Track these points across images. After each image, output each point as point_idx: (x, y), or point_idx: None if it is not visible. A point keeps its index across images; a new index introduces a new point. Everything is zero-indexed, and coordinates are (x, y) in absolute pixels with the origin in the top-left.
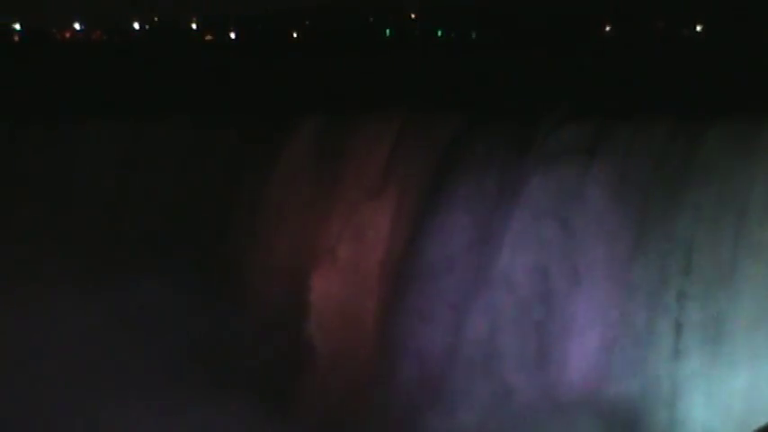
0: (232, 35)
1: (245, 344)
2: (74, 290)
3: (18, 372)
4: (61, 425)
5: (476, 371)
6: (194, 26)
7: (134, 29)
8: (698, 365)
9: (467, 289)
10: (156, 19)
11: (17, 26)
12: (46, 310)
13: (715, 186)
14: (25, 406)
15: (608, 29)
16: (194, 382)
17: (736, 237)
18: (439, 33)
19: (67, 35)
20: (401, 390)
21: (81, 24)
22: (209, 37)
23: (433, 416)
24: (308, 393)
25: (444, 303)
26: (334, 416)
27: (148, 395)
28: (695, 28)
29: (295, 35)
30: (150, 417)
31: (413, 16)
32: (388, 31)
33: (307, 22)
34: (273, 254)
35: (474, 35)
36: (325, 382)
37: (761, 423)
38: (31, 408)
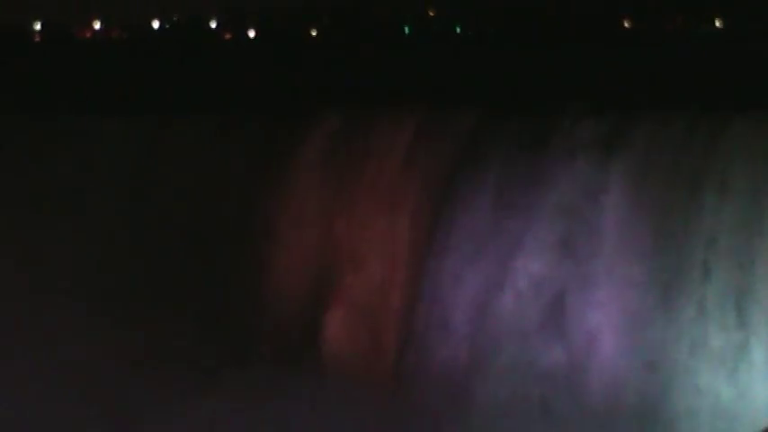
0: (251, 33)
1: (264, 339)
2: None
3: None
4: None
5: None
6: (213, 25)
7: (153, 28)
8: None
9: (489, 285)
10: (175, 18)
11: (37, 25)
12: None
13: (735, 181)
14: None
15: (627, 24)
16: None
17: (758, 232)
18: (457, 30)
19: (87, 34)
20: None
21: (101, 23)
22: (228, 35)
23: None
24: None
25: (466, 299)
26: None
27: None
28: (714, 23)
29: (314, 33)
30: None
31: (431, 13)
32: (406, 28)
33: (325, 20)
34: (295, 250)
35: (492, 31)
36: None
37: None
38: None
